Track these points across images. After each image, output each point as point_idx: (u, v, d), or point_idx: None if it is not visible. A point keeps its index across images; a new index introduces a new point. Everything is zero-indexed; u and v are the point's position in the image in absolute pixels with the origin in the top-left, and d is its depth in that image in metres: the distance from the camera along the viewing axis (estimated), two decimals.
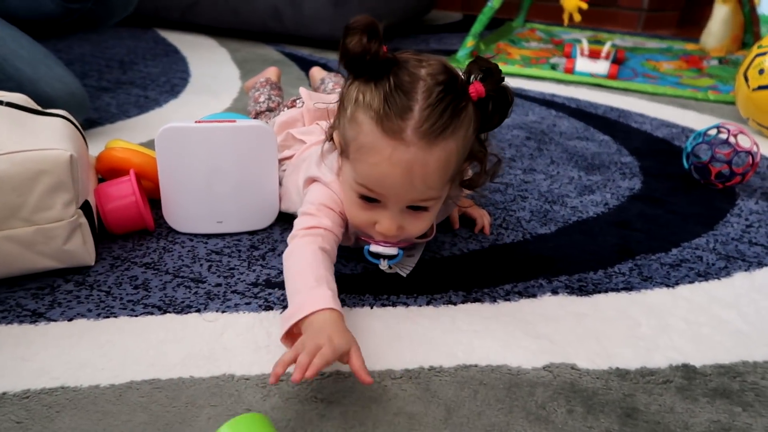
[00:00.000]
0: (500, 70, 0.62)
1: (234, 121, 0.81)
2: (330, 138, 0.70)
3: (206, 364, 0.62)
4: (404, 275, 0.75)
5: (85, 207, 0.75)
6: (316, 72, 1.37)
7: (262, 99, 1.13)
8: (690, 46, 2.07)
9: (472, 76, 0.62)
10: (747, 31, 1.96)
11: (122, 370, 0.61)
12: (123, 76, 1.54)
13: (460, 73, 0.63)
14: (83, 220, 0.74)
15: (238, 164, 0.81)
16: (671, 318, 0.72)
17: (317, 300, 0.60)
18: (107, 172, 0.88)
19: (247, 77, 1.56)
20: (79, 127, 0.84)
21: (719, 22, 1.93)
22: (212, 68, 1.63)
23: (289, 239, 0.70)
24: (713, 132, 1.06)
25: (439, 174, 0.62)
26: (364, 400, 0.58)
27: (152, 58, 1.70)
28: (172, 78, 1.53)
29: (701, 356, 0.66)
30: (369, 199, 0.65)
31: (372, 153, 0.61)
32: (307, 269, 0.64)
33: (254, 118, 1.07)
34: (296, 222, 0.71)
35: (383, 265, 0.71)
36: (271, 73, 1.30)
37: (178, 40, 1.89)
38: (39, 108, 0.82)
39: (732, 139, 1.04)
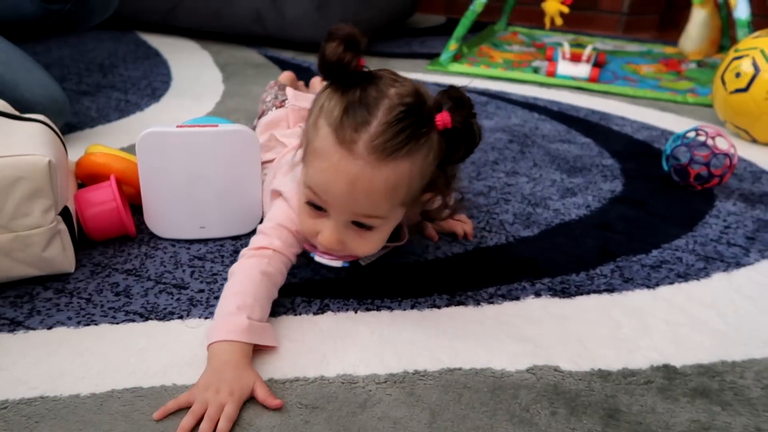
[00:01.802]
0: (472, 105, 0.62)
1: (216, 126, 0.81)
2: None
3: (189, 371, 0.61)
4: (363, 264, 0.75)
5: (65, 213, 0.74)
6: (317, 82, 1.36)
7: (268, 99, 1.12)
8: (669, 50, 2.10)
9: (444, 105, 0.61)
10: (724, 34, 2.00)
11: (103, 378, 0.60)
12: (103, 79, 1.52)
13: (431, 100, 0.62)
14: (62, 226, 0.73)
15: (221, 169, 0.81)
16: (652, 319, 0.73)
17: (228, 329, 0.61)
18: (87, 177, 0.87)
19: (229, 80, 1.55)
20: (59, 132, 0.83)
21: (697, 26, 1.96)
22: (194, 71, 1.62)
23: (239, 256, 0.70)
24: (692, 134, 1.08)
25: (385, 194, 0.61)
26: (348, 406, 0.58)
27: (133, 62, 1.68)
28: (153, 81, 1.52)
29: (681, 356, 0.67)
30: (316, 207, 0.65)
31: (322, 158, 0.61)
32: (237, 294, 0.65)
33: (260, 118, 1.06)
34: (252, 239, 0.72)
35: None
36: (285, 77, 1.30)
37: (160, 43, 1.88)
38: (17, 113, 0.81)
39: (710, 142, 1.05)
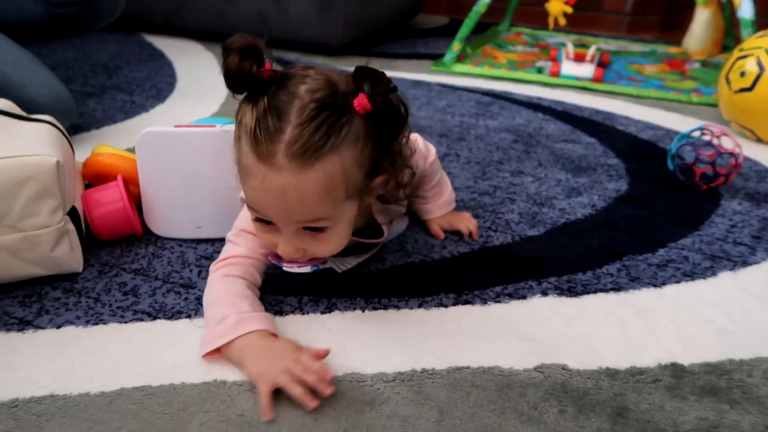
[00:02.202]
0: (388, 80, 0.58)
1: (213, 126, 0.81)
2: None
3: (197, 370, 0.61)
4: (339, 271, 0.75)
5: (73, 213, 0.75)
6: None
7: None
8: (672, 50, 2.10)
9: (360, 88, 0.58)
10: (728, 34, 2.00)
11: (112, 377, 0.60)
12: (108, 80, 1.53)
13: (345, 85, 0.59)
14: (70, 226, 0.73)
15: (217, 170, 0.80)
16: (659, 318, 0.73)
17: (235, 325, 0.62)
18: (94, 177, 0.87)
19: None
20: (65, 132, 0.83)
21: (701, 26, 1.96)
22: (199, 73, 1.62)
23: (210, 272, 0.70)
24: (697, 134, 1.08)
25: (320, 196, 0.58)
26: (356, 404, 0.58)
27: (138, 63, 1.69)
28: (158, 83, 1.52)
29: (689, 355, 0.67)
30: (264, 221, 0.63)
31: (249, 177, 0.59)
32: (213, 301, 0.66)
33: None
34: (223, 249, 0.72)
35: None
36: None
37: (164, 44, 1.88)
38: (24, 114, 0.82)
39: (715, 141, 1.05)
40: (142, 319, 0.69)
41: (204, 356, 0.62)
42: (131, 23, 1.97)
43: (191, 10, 1.89)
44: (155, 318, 0.69)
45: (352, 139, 0.59)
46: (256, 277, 0.70)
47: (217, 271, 0.69)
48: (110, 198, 0.81)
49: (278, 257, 0.66)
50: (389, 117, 0.59)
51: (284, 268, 0.66)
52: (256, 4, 1.81)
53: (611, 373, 0.64)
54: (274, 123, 0.56)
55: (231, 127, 0.80)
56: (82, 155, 0.92)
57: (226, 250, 0.71)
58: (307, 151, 0.56)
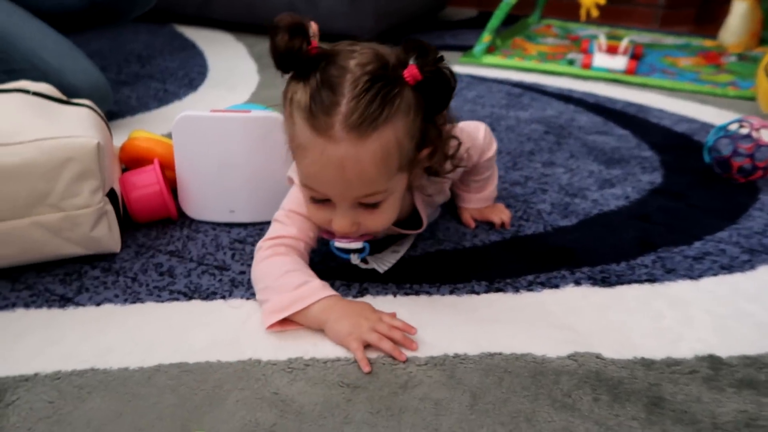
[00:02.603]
0: (436, 50, 0.59)
1: (248, 112, 0.81)
2: None
3: (232, 349, 0.62)
4: (381, 271, 0.74)
5: (111, 195, 0.76)
6: None
7: None
8: (708, 43, 2.05)
9: (408, 59, 0.59)
10: (766, 27, 1.94)
11: (150, 353, 0.61)
12: (141, 69, 1.55)
13: (394, 58, 0.60)
14: (109, 207, 0.75)
15: (251, 154, 0.82)
16: (695, 310, 0.71)
17: (320, 288, 0.65)
18: (131, 161, 0.89)
19: (264, 71, 1.57)
20: (104, 117, 0.85)
21: (738, 18, 1.91)
22: (230, 63, 1.64)
23: (256, 249, 0.70)
24: (735, 126, 1.06)
25: (377, 167, 0.60)
26: (389, 386, 0.58)
27: (170, 53, 1.71)
28: (190, 72, 1.54)
29: (726, 347, 0.65)
30: (319, 200, 0.64)
31: (306, 153, 0.60)
32: (283, 271, 0.66)
33: None
34: (269, 228, 0.72)
35: (354, 259, 0.70)
36: None
37: (195, 34, 1.91)
38: (64, 98, 0.83)
39: (754, 134, 1.03)
40: (177, 299, 0.70)
41: (270, 327, 0.64)
42: (163, 14, 2.00)
43: (221, 1, 1.90)
44: (190, 298, 0.70)
45: (404, 109, 0.60)
46: (306, 259, 0.71)
47: (270, 248, 0.69)
48: (147, 181, 0.82)
49: (330, 234, 0.68)
50: (439, 86, 0.60)
51: (335, 244, 0.68)
52: None
53: (646, 363, 0.63)
54: (328, 97, 0.57)
55: (267, 113, 0.82)
56: (118, 140, 0.93)
57: (276, 229, 0.71)
58: (364, 122, 0.57)
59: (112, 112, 1.23)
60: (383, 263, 0.75)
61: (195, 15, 1.97)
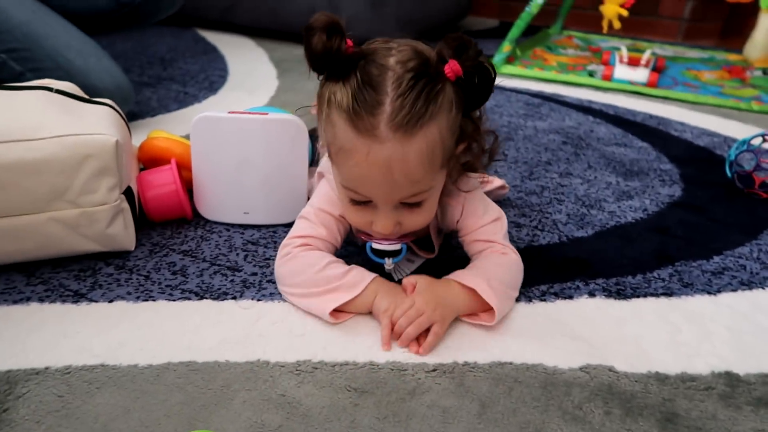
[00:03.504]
0: (475, 43, 0.58)
1: (266, 114, 0.82)
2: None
3: (241, 350, 0.62)
4: (396, 279, 0.73)
5: (128, 193, 0.77)
6: None
7: None
8: (733, 57, 2.02)
9: (447, 55, 0.58)
10: None
11: (160, 351, 0.62)
12: (163, 72, 1.57)
13: (433, 54, 0.59)
14: (125, 205, 0.76)
15: (268, 156, 0.82)
16: (713, 325, 0.70)
17: (366, 272, 0.67)
18: (149, 161, 0.90)
19: (284, 76, 1.58)
20: (124, 116, 0.86)
21: (764, 32, 1.88)
22: (250, 67, 1.66)
23: (281, 247, 0.70)
24: (758, 140, 1.04)
25: (423, 166, 0.59)
26: (397, 392, 0.58)
27: (192, 56, 1.73)
28: (210, 75, 1.56)
29: (744, 364, 0.64)
30: (360, 203, 0.64)
31: (350, 155, 0.59)
32: (325, 263, 0.67)
33: None
34: (294, 226, 0.71)
35: (388, 263, 0.70)
36: None
37: (217, 39, 1.93)
38: (86, 96, 0.85)
39: None
40: (189, 298, 0.70)
41: (332, 313, 0.65)
42: (186, 18, 2.03)
43: (244, 6, 1.93)
44: (202, 298, 0.70)
45: (447, 105, 0.59)
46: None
47: (300, 246, 0.69)
48: (163, 180, 0.83)
49: (368, 235, 0.68)
50: (480, 79, 0.59)
51: (374, 246, 0.68)
52: (308, 1, 1.83)
53: (661, 378, 0.61)
54: (371, 96, 0.56)
55: (285, 116, 0.82)
56: (137, 140, 0.94)
57: (303, 228, 0.71)
58: (411, 120, 0.56)
59: (132, 113, 1.24)
60: (401, 271, 0.75)
61: (218, 20, 2.00)
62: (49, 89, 0.81)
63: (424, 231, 0.75)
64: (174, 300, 0.70)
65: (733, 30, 2.46)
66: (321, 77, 0.62)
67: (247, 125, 0.81)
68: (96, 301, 0.69)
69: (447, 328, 0.65)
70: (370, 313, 0.68)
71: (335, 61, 0.58)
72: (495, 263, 0.70)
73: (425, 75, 0.57)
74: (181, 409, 0.55)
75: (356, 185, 0.62)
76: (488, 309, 0.66)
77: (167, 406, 0.55)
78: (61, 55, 1.04)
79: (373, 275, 0.67)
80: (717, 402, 0.59)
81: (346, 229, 0.73)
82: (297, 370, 0.60)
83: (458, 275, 0.68)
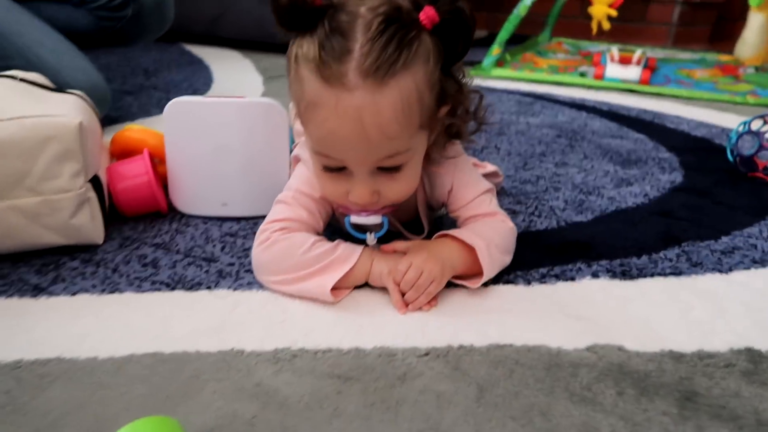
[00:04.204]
0: None
1: (243, 97, 0.78)
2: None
3: (214, 339, 0.57)
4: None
5: (95, 182, 0.72)
6: None
7: None
8: (724, 57, 2.01)
9: (422, 1, 0.53)
10: None
11: (123, 342, 0.56)
12: (147, 81, 1.54)
13: (407, 3, 0.53)
14: (92, 194, 0.70)
15: (246, 142, 0.77)
16: (727, 302, 0.65)
17: (354, 245, 0.63)
18: (121, 154, 0.85)
19: (270, 83, 1.54)
20: (93, 106, 0.81)
21: (754, 32, 1.87)
22: (235, 75, 1.62)
23: (259, 232, 0.65)
24: (758, 123, 1.00)
25: (398, 121, 0.54)
26: (386, 378, 0.52)
27: (176, 67, 1.70)
28: (194, 83, 1.53)
29: (766, 340, 0.58)
30: (334, 169, 0.58)
31: (318, 108, 0.54)
32: (311, 242, 0.62)
33: None
34: (271, 211, 0.66)
35: (371, 239, 0.65)
36: None
37: (203, 52, 1.90)
38: (53, 86, 0.80)
39: None
40: (159, 289, 0.64)
41: (333, 290, 0.61)
42: (172, 33, 1.99)
43: (230, 18, 1.91)
44: (173, 288, 0.65)
45: (423, 55, 0.54)
46: None
47: (280, 230, 0.64)
48: (135, 171, 0.78)
49: (346, 209, 0.63)
50: (459, 28, 0.54)
51: (352, 220, 0.63)
52: None
53: (675, 356, 0.56)
54: (339, 43, 0.52)
55: (263, 99, 0.78)
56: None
57: (281, 211, 0.66)
58: (381, 66, 0.51)
59: (111, 117, 1.20)
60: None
61: (204, 33, 1.97)
62: (13, 78, 0.76)
63: (411, 209, 0.70)
64: (143, 292, 0.64)
65: (723, 34, 2.45)
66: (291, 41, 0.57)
67: (224, 109, 0.76)
68: (57, 295, 0.63)
69: (444, 283, 0.63)
70: (365, 284, 0.64)
71: (302, 12, 0.53)
72: (493, 228, 0.66)
73: (397, 20, 0.52)
74: (144, 401, 0.49)
75: (327, 145, 0.56)
76: (477, 273, 0.63)
77: (127, 399, 0.49)
78: (33, 52, 1.00)
79: (361, 247, 0.64)
80: (740, 379, 0.53)
81: (328, 212, 0.68)
82: (275, 359, 0.54)
83: (456, 232, 0.64)
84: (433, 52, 0.55)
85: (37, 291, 0.63)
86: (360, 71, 0.52)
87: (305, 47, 0.54)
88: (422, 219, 0.71)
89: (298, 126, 0.72)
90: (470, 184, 0.68)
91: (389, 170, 0.58)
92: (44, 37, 1.03)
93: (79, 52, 1.09)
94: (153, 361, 0.53)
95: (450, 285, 0.65)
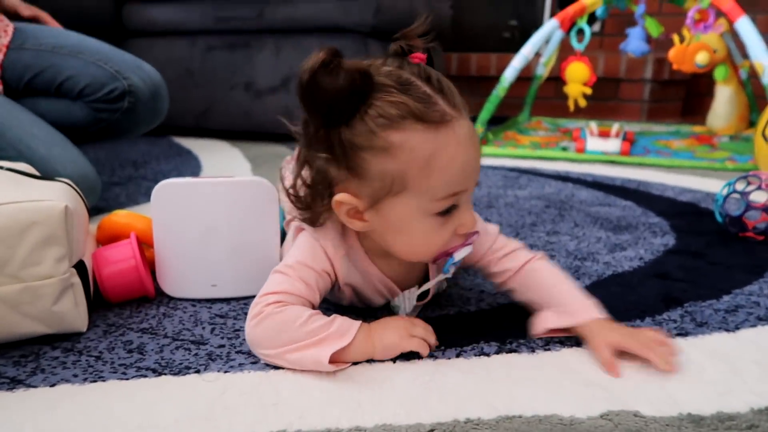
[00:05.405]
0: (424, 32, 0.60)
1: (232, 177, 0.78)
2: (319, 206, 0.63)
3: (203, 425, 0.53)
4: (404, 313, 0.70)
5: (80, 267, 0.70)
6: None
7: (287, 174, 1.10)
8: (698, 128, 2.08)
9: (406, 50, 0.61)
10: (752, 110, 1.98)
11: None
12: (135, 172, 1.55)
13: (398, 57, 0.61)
14: (76, 279, 0.68)
15: (236, 222, 0.76)
16: (740, 361, 0.62)
17: (351, 320, 0.61)
18: (109, 239, 0.83)
19: (259, 168, 1.56)
20: (80, 193, 0.80)
21: (723, 103, 1.95)
22: (224, 163, 1.64)
23: (253, 305, 0.62)
24: (742, 184, 1.01)
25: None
26: None
27: (165, 158, 1.72)
28: (183, 172, 1.54)
29: None
30: (445, 213, 0.59)
31: (440, 153, 0.56)
32: (307, 315, 0.60)
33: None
34: (267, 282, 0.64)
35: (451, 272, 0.66)
36: None
37: (192, 143, 1.94)
38: (39, 174, 0.80)
39: (765, 189, 0.98)
40: (145, 375, 0.61)
41: (332, 361, 0.58)
42: (161, 127, 2.03)
43: (218, 111, 1.96)
44: (160, 374, 0.61)
45: None
46: None
47: (276, 303, 0.61)
48: (121, 256, 0.76)
49: (446, 253, 0.63)
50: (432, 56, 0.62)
51: (455, 258, 0.63)
52: (281, 100, 1.87)
53: (695, 420, 0.53)
54: (417, 91, 0.57)
55: (253, 177, 0.78)
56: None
57: (278, 282, 0.63)
58: (450, 96, 0.59)
59: (98, 207, 1.19)
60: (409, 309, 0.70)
61: (193, 126, 2.02)
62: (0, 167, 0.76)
63: (421, 271, 0.69)
64: (128, 379, 0.60)
65: (694, 109, 2.56)
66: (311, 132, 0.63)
67: (212, 189, 0.76)
68: (35, 387, 0.59)
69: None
70: (368, 361, 0.62)
71: (362, 90, 0.55)
72: (557, 275, 0.70)
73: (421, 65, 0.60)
74: None
75: (460, 180, 0.58)
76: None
77: None
78: (24, 143, 1.00)
79: (359, 322, 0.61)
80: None
81: (326, 286, 0.66)
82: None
83: (562, 314, 0.66)
84: None
85: (14, 384, 0.60)
86: (447, 104, 0.57)
87: (386, 108, 0.56)
88: (430, 276, 0.70)
89: (287, 204, 0.71)
90: (484, 228, 0.71)
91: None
92: (36, 129, 1.05)
93: (70, 143, 1.10)
94: None
95: (448, 356, 0.62)
